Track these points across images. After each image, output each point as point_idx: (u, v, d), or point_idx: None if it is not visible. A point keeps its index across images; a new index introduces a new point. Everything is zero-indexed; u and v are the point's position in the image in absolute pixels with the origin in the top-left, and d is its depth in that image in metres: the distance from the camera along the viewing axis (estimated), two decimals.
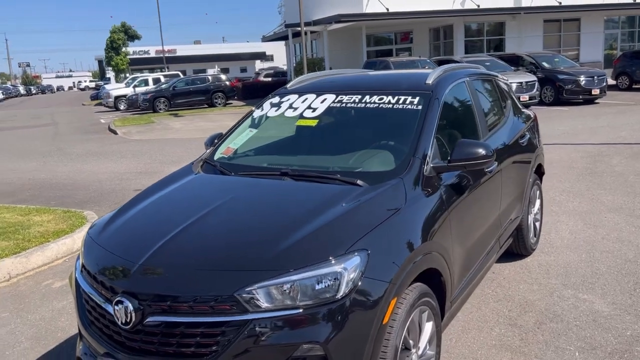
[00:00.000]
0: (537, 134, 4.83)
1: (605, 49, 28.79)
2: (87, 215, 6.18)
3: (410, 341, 2.48)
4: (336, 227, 2.36)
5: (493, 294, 3.94)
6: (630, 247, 4.66)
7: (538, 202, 4.80)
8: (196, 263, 2.24)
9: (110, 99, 29.48)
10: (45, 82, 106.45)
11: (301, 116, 3.39)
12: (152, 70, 48.05)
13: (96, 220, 2.99)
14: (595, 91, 16.65)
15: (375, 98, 3.33)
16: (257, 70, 41.78)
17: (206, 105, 26.14)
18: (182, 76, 30.59)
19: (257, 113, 3.72)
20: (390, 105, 3.26)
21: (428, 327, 2.66)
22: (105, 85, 37.95)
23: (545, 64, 17.92)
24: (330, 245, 2.24)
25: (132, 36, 50.19)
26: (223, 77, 27.63)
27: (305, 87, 3.75)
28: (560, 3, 26.16)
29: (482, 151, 2.91)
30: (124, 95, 28.72)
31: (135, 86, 29.82)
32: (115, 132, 17.20)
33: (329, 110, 3.39)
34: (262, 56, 65.03)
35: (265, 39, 36.73)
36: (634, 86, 20.55)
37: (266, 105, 3.70)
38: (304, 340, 2.06)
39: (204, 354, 2.08)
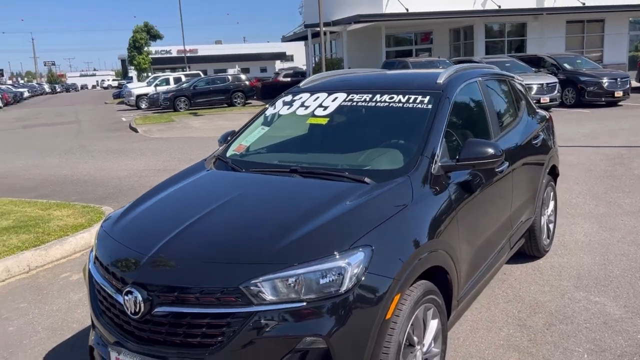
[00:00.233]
0: (552, 135, 4.80)
1: (630, 51, 28.25)
2: (105, 211, 6.31)
3: (415, 338, 2.50)
4: (341, 223, 2.39)
5: (503, 295, 3.93)
6: None
7: (552, 203, 4.76)
8: (204, 256, 2.30)
9: (132, 98, 29.90)
10: (69, 81, 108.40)
11: (312, 114, 3.44)
12: (173, 70, 48.61)
13: (110, 213, 3.07)
14: (618, 93, 16.37)
15: (386, 97, 3.36)
16: (276, 70, 41.97)
17: (225, 105, 26.36)
18: (202, 76, 30.87)
19: (269, 111, 3.77)
20: (401, 105, 3.28)
21: (433, 325, 2.67)
22: (128, 84, 38.49)
23: (566, 66, 17.68)
24: (335, 240, 2.27)
25: (155, 36, 50.79)
26: (243, 76, 27.83)
27: (317, 85, 3.79)
28: (584, 4, 25.76)
29: (490, 150, 2.91)
30: (146, 94, 29.10)
31: (156, 85, 30.19)
32: (136, 130, 17.45)
33: (339, 108, 3.43)
34: (282, 56, 65.28)
35: (285, 39, 36.89)
36: None
37: (279, 103, 3.75)
38: (307, 333, 2.10)
39: (210, 344, 2.13)
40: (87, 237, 5.41)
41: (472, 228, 3.08)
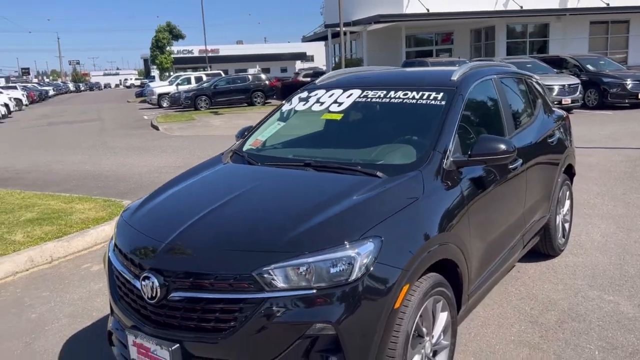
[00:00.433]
0: (569, 134, 4.78)
1: None
2: (125, 205, 6.45)
3: (424, 329, 2.55)
4: (352, 214, 2.45)
5: (516, 292, 3.94)
6: None
7: (568, 202, 4.75)
8: (218, 243, 2.37)
9: (154, 97, 30.31)
10: (93, 80, 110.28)
11: (327, 110, 3.49)
12: (195, 70, 49.09)
13: (129, 204, 3.17)
14: None
15: (400, 93, 3.40)
16: (296, 70, 42.14)
17: (245, 104, 26.57)
18: (223, 75, 31.16)
19: (285, 107, 3.85)
20: (414, 101, 3.32)
21: (443, 317, 2.71)
22: (150, 83, 39.01)
23: (589, 67, 17.44)
24: (345, 231, 2.33)
25: (177, 35, 51.36)
26: (263, 76, 28.02)
27: (333, 82, 3.85)
28: (608, 4, 25.37)
29: (503, 146, 2.94)
30: (167, 93, 29.46)
31: (178, 84, 30.55)
32: (157, 128, 17.72)
33: (354, 104, 3.48)
34: (302, 56, 65.46)
35: (305, 39, 37.04)
36: None
37: (295, 99, 3.82)
38: (317, 319, 2.16)
39: (223, 329, 2.20)
40: (108, 230, 5.55)
41: (483, 223, 3.10)
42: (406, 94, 3.38)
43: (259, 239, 2.35)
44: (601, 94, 16.52)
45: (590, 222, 5.43)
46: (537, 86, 4.64)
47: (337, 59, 28.39)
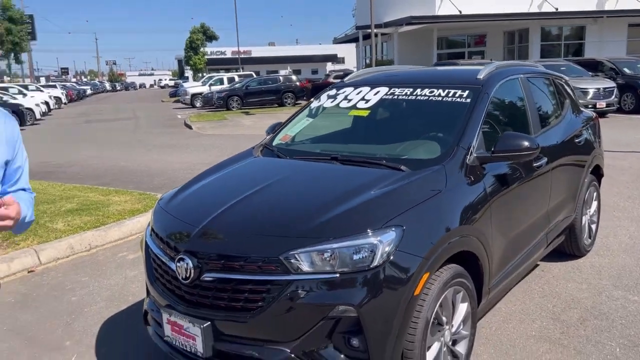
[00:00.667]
0: (597, 135, 4.77)
1: None
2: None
3: (444, 317, 2.64)
4: (375, 204, 2.56)
5: (539, 290, 3.98)
6: None
7: (595, 204, 4.74)
8: (248, 228, 2.52)
9: (187, 97, 30.91)
10: (129, 80, 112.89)
11: (354, 107, 3.61)
12: (227, 70, 49.77)
13: (165, 193, 3.35)
14: None
15: (426, 91, 3.49)
16: (327, 72, 42.34)
17: (276, 105, 26.87)
18: (255, 76, 31.58)
19: (314, 104, 3.98)
20: (440, 98, 3.41)
21: (463, 308, 2.79)
22: (183, 84, 39.78)
23: (626, 70, 17.05)
24: (368, 219, 2.44)
25: (210, 37, 52.25)
26: (293, 77, 28.29)
27: (361, 80, 3.96)
28: None
29: (526, 143, 3.00)
30: (200, 93, 30.00)
31: (210, 85, 31.09)
32: (190, 127, 18.13)
33: (381, 102, 3.59)
34: (333, 58, 65.64)
35: (337, 41, 37.21)
36: None
37: (323, 97, 3.95)
38: (339, 301, 2.27)
39: (251, 309, 2.34)
40: (143, 221, 5.78)
41: (506, 219, 3.17)
42: (432, 92, 3.47)
43: (286, 225, 2.48)
44: (638, 98, 16.14)
45: (619, 225, 5.39)
46: (565, 87, 4.66)
47: (367, 61, 28.43)
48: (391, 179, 2.77)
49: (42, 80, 57.08)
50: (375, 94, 3.64)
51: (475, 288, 2.87)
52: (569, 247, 4.42)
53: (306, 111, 3.98)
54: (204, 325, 2.40)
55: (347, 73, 33.25)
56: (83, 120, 23.54)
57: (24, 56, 46.52)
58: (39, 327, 3.70)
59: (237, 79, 31.25)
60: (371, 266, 2.31)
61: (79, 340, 3.48)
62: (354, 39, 32.79)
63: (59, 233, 5.35)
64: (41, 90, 29.83)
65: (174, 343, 2.58)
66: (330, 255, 2.32)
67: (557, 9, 24.51)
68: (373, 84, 3.78)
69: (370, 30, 21.13)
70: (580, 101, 13.30)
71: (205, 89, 30.36)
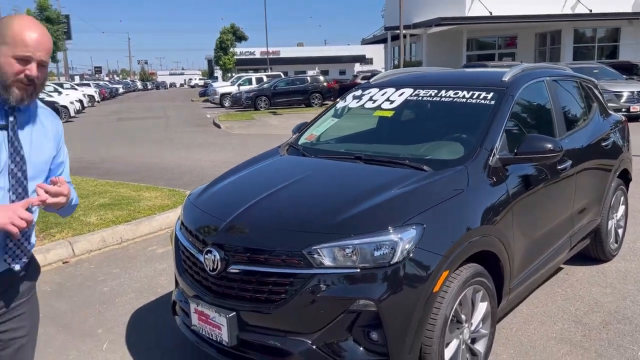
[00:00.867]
0: (625, 139, 4.72)
1: None
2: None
3: (463, 315, 2.68)
4: (397, 202, 2.63)
5: (562, 293, 3.97)
6: None
7: (622, 208, 4.69)
8: (273, 223, 2.61)
9: (217, 96, 31.33)
10: (159, 79, 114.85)
11: (379, 108, 3.68)
12: (256, 71, 50.22)
13: (194, 189, 3.48)
14: None
15: (451, 92, 3.54)
16: (355, 72, 42.35)
17: (303, 105, 27.02)
18: (283, 77, 31.81)
19: (340, 104, 4.06)
20: (464, 100, 3.45)
21: (482, 306, 2.83)
22: (213, 83, 40.32)
23: None
24: (390, 217, 2.51)
25: (240, 37, 52.83)
26: (321, 78, 28.41)
27: (386, 81, 4.03)
28: None
29: (549, 145, 3.02)
30: (229, 93, 30.38)
31: (239, 85, 31.45)
32: (218, 126, 18.41)
33: (405, 103, 3.65)
34: (361, 59, 65.55)
35: (365, 42, 37.19)
36: None
37: (349, 97, 4.02)
38: (359, 296, 2.34)
39: (275, 300, 2.43)
40: (172, 217, 5.95)
41: (528, 221, 3.19)
42: (456, 93, 3.51)
43: (309, 221, 2.57)
44: None
45: None
46: (593, 90, 4.63)
47: (396, 62, 28.36)
48: (413, 179, 2.83)
49: (77, 79, 58.55)
50: (400, 95, 3.70)
51: (495, 288, 2.91)
52: (594, 251, 4.39)
53: (332, 111, 4.06)
54: (230, 315, 2.50)
55: (374, 74, 33.23)
56: (115, 118, 24.12)
57: (59, 55, 47.86)
58: (73, 315, 3.87)
59: (265, 79, 31.52)
60: (391, 262, 2.38)
61: (110, 329, 3.63)
62: (383, 40, 32.71)
63: (92, 226, 5.56)
64: (75, 89, 30.65)
65: (200, 332, 2.70)
66: (352, 251, 2.39)
67: (591, 10, 24.02)
68: (398, 85, 3.84)
69: (399, 31, 21.08)
70: (614, 105, 13.10)
71: (234, 89, 30.73)
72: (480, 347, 2.88)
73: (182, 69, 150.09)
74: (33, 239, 1.92)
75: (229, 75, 47.57)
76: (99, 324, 3.71)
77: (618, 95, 14.27)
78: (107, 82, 60.80)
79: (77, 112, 25.37)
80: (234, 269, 2.53)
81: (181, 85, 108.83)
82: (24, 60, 1.71)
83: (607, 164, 4.27)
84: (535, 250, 3.35)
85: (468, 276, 2.63)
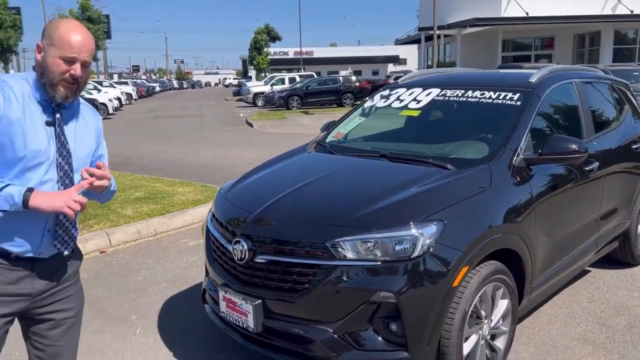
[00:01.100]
0: None
1: None
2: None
3: (482, 311, 2.74)
4: (419, 199, 2.70)
5: (588, 295, 3.96)
6: None
7: None
8: (299, 216, 2.73)
9: (250, 95, 31.73)
10: (195, 78, 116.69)
11: (406, 107, 3.75)
12: (289, 71, 50.61)
13: (225, 183, 3.62)
14: None
15: (477, 93, 3.58)
16: (388, 73, 42.23)
17: (335, 105, 27.11)
18: (315, 77, 31.99)
19: (367, 103, 4.15)
20: (491, 100, 3.49)
21: (503, 304, 2.88)
22: (247, 83, 40.84)
23: None
24: (411, 213, 2.59)
25: (274, 37, 53.37)
26: (353, 78, 28.45)
27: (414, 81, 4.09)
28: None
29: (573, 146, 3.04)
30: (262, 93, 30.73)
31: (272, 84, 31.79)
32: (251, 125, 18.70)
33: (432, 102, 3.71)
34: (395, 59, 65.25)
35: (398, 42, 37.04)
36: None
37: (377, 97, 4.11)
38: (380, 287, 2.43)
39: (298, 290, 2.54)
40: (204, 211, 6.13)
41: (551, 221, 3.21)
42: (483, 94, 3.55)
43: (333, 214, 2.67)
44: None
45: None
46: (626, 92, 4.58)
47: (429, 63, 28.17)
48: (436, 177, 2.90)
49: (115, 77, 60.17)
50: (427, 94, 3.77)
51: (517, 286, 2.95)
52: (622, 254, 4.35)
53: (359, 110, 4.16)
54: (256, 302, 2.63)
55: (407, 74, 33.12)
56: (152, 116, 24.72)
57: (99, 54, 49.28)
58: (108, 301, 4.07)
59: (298, 79, 31.76)
60: (411, 257, 2.45)
61: (144, 315, 3.81)
62: (416, 40, 32.53)
63: (128, 219, 5.79)
64: (114, 87, 31.51)
65: (228, 318, 2.83)
66: (374, 245, 2.48)
67: (632, 11, 23.35)
68: (426, 85, 3.90)
69: (432, 32, 20.97)
70: None
71: (267, 89, 31.06)
72: (500, 343, 2.92)
73: (217, 69, 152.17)
74: (77, 227, 2.08)
75: (263, 75, 48.09)
76: (133, 310, 3.90)
77: None
78: (144, 81, 62.23)
79: (115, 109, 26.09)
80: (260, 258, 2.65)
81: (216, 84, 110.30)
82: (69, 61, 1.85)
83: (637, 167, 4.23)
84: (559, 251, 3.36)
85: (488, 273, 2.68)
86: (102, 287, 4.35)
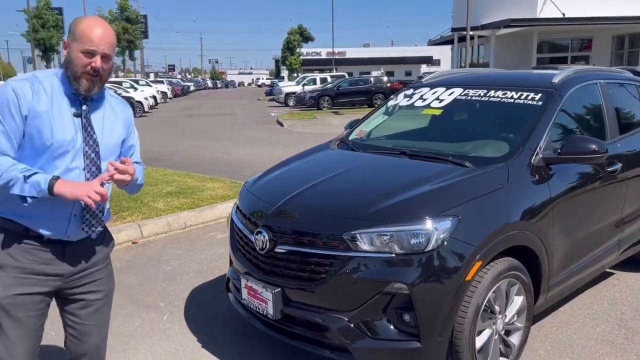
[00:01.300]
0: None
1: None
2: None
3: (497, 307, 2.79)
4: (435, 194, 2.78)
5: (610, 297, 3.95)
6: None
7: None
8: (317, 209, 2.84)
9: (281, 95, 32.04)
10: (228, 78, 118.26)
11: (428, 106, 3.82)
12: (321, 71, 50.77)
13: (250, 177, 3.76)
14: None
15: (499, 93, 3.62)
16: (420, 73, 41.99)
17: (366, 106, 27.10)
18: (347, 77, 32.04)
19: (391, 102, 4.23)
20: (512, 100, 3.52)
21: (518, 300, 2.92)
22: (279, 83, 41.21)
23: None
24: (427, 208, 2.66)
25: (307, 38, 53.72)
26: (384, 79, 28.41)
27: (438, 81, 4.15)
28: None
29: (593, 146, 3.06)
30: (294, 92, 30.99)
31: (304, 84, 32.02)
32: (281, 125, 18.93)
33: (454, 102, 3.76)
34: (428, 60, 64.66)
35: (431, 43, 36.73)
36: None
37: (400, 96, 4.18)
38: (394, 279, 2.52)
39: (315, 279, 2.65)
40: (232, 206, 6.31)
41: (570, 221, 3.22)
42: (505, 94, 3.59)
43: (351, 208, 2.77)
44: None
45: None
46: None
47: (462, 64, 27.87)
48: (453, 174, 2.96)
49: (151, 76, 61.55)
50: (450, 94, 3.82)
51: (533, 284, 2.98)
52: None
53: (383, 109, 4.24)
54: (275, 290, 2.75)
55: None
56: (186, 114, 25.24)
57: (136, 53, 50.48)
58: (139, 288, 4.26)
59: (329, 79, 31.91)
60: (425, 250, 2.53)
61: (171, 302, 3.98)
62: (450, 41, 32.21)
63: (159, 212, 6.01)
64: (150, 85, 32.30)
65: (249, 305, 2.96)
66: (389, 238, 2.57)
67: None
68: (449, 84, 3.96)
69: (465, 33, 20.78)
70: None
71: (298, 89, 31.29)
72: (514, 339, 2.96)
73: (251, 69, 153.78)
74: (107, 213, 2.22)
75: (295, 75, 48.41)
76: (161, 297, 4.08)
77: None
78: (179, 80, 63.47)
79: (151, 107, 26.71)
80: (280, 249, 2.77)
81: (249, 84, 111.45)
82: (90, 54, 1.99)
83: None
84: (578, 251, 3.38)
85: (503, 269, 2.73)
86: (133, 275, 4.55)
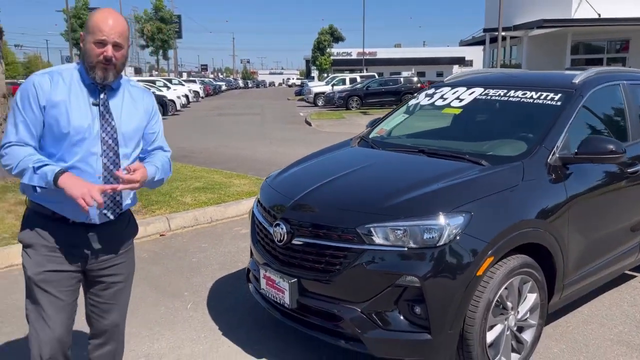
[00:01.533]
0: None
1: None
2: None
3: (509, 303, 2.84)
4: (450, 191, 2.84)
5: (630, 299, 3.92)
6: None
7: None
8: (333, 203, 2.93)
9: (311, 95, 32.23)
10: (260, 78, 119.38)
11: (448, 105, 3.87)
12: (352, 71, 50.80)
13: (272, 172, 3.88)
14: None
15: (519, 93, 3.65)
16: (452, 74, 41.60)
17: (395, 106, 26.98)
18: (377, 77, 32.00)
19: (412, 102, 4.29)
20: (532, 100, 3.55)
21: (531, 298, 2.96)
22: (308, 83, 41.41)
23: None
24: (440, 203, 2.73)
25: (337, 38, 53.81)
26: (414, 79, 28.27)
27: (459, 81, 4.20)
28: None
29: (611, 147, 3.07)
30: (323, 93, 31.13)
31: (333, 85, 32.12)
32: (310, 124, 19.08)
33: (474, 101, 3.80)
34: (460, 61, 63.93)
35: (463, 44, 36.32)
36: None
37: (421, 95, 4.24)
38: (405, 272, 2.59)
39: (330, 271, 2.74)
40: None
41: (586, 220, 3.23)
42: (525, 94, 3.62)
43: (366, 202, 2.85)
44: None
45: None
46: None
47: (494, 64, 27.50)
48: (469, 171, 3.02)
49: (184, 76, 62.62)
50: (470, 94, 3.87)
51: (547, 282, 3.01)
52: None
53: (403, 108, 4.31)
54: (292, 281, 2.85)
55: None
56: (217, 113, 25.64)
57: (170, 53, 51.45)
58: (165, 279, 4.43)
59: (358, 79, 31.92)
60: (438, 244, 2.60)
61: (195, 292, 4.13)
62: (482, 42, 31.81)
63: (187, 206, 6.20)
64: (182, 85, 32.87)
65: (267, 295, 3.08)
66: (403, 232, 2.64)
67: None
68: (470, 84, 4.00)
69: (497, 33, 20.53)
70: None
71: (327, 89, 31.41)
72: (527, 336, 3.00)
73: (282, 69, 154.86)
74: (134, 198, 2.35)
75: (325, 75, 48.56)
76: (185, 287, 4.24)
77: None
78: (211, 80, 64.36)
79: (183, 106, 27.22)
80: (297, 241, 2.88)
81: (280, 84, 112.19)
82: (101, 43, 2.10)
83: None
84: (595, 251, 3.38)
85: (515, 265, 2.77)
86: (160, 265, 4.73)
